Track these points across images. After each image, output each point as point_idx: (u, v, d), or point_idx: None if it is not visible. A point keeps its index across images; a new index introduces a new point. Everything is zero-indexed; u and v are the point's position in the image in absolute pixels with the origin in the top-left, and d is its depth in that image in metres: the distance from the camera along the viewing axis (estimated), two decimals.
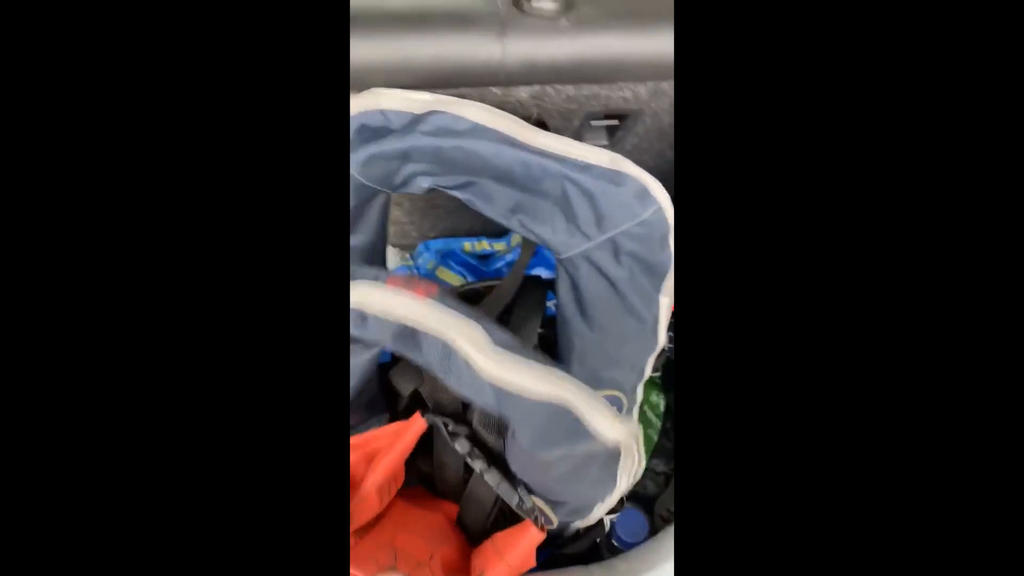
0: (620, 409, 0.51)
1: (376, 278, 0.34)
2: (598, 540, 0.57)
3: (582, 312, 0.42)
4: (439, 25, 0.37)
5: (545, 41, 0.38)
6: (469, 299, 0.54)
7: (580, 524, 0.49)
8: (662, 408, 0.73)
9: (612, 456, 0.36)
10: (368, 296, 0.32)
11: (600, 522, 0.57)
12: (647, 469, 0.72)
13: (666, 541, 0.54)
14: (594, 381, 0.47)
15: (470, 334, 0.32)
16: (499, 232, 0.80)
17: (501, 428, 0.40)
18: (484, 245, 0.80)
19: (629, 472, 0.38)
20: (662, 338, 0.46)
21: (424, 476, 0.49)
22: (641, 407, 0.74)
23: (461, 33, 0.37)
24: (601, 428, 0.33)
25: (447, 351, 0.32)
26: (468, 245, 0.80)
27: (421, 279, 0.36)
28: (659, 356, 0.52)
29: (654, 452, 0.72)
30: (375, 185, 0.41)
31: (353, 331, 0.34)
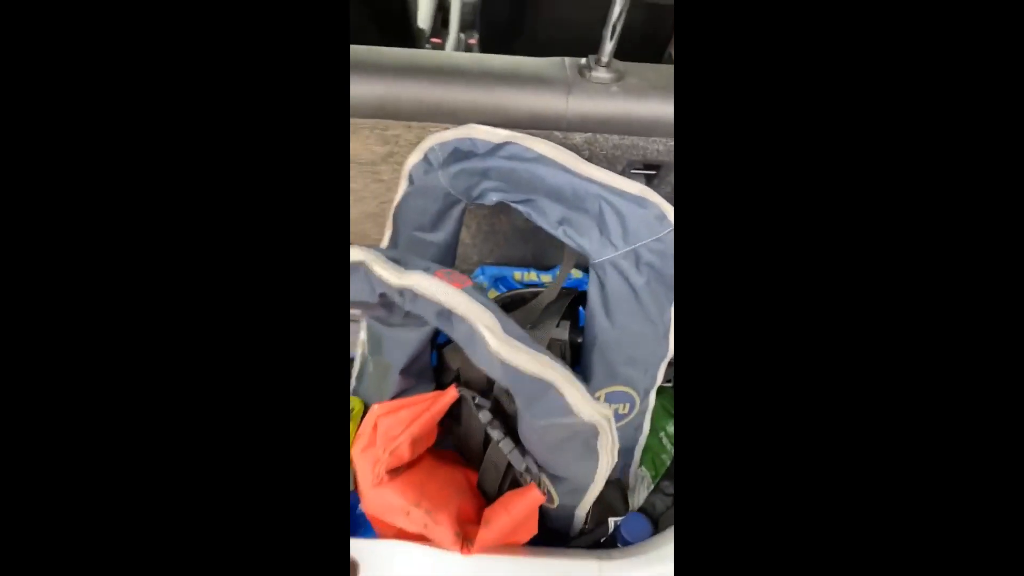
0: (632, 407, 0.59)
1: (427, 269, 0.44)
2: (602, 540, 0.63)
3: (606, 310, 0.52)
4: (523, 83, 0.51)
5: (599, 101, 0.51)
6: (516, 302, 0.65)
7: (580, 511, 0.56)
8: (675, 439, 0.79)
9: (591, 433, 0.43)
10: (419, 282, 0.42)
11: (606, 523, 0.64)
12: (657, 489, 0.78)
13: (663, 538, 0.59)
14: (611, 376, 0.56)
15: (487, 321, 0.40)
16: (546, 266, 0.91)
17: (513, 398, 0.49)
18: (532, 276, 0.91)
19: (607, 449, 0.44)
20: (671, 347, 0.55)
21: (456, 441, 0.58)
22: (658, 435, 0.81)
23: (538, 90, 0.51)
24: (578, 406, 0.40)
25: (471, 330, 0.41)
26: (519, 274, 0.91)
27: (459, 275, 0.45)
28: (672, 366, 0.60)
29: (665, 474, 0.78)
30: (457, 194, 0.54)
31: (409, 306, 0.43)
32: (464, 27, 1.17)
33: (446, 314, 0.40)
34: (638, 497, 0.76)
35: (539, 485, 0.47)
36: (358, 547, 0.50)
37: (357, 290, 0.43)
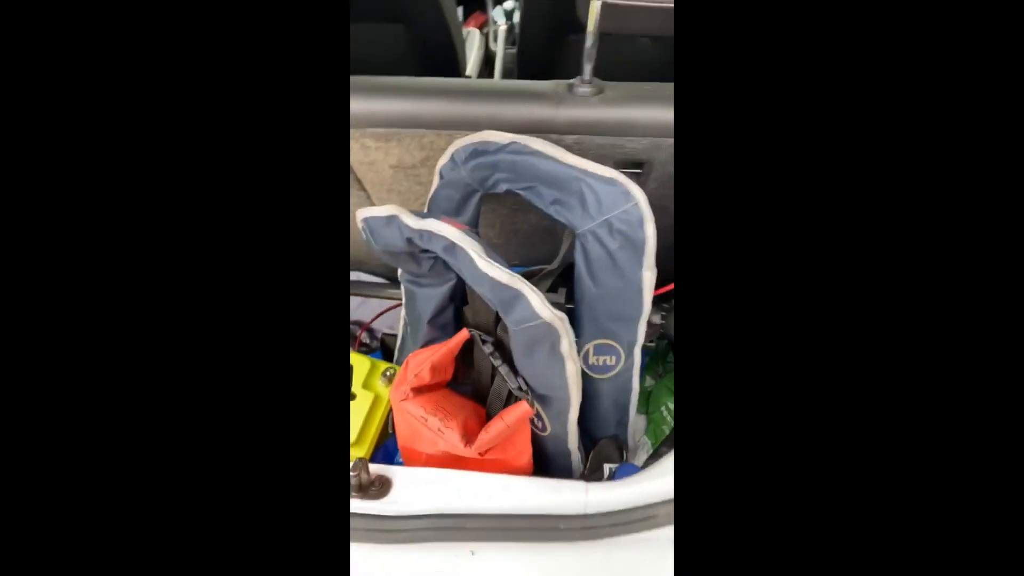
0: (618, 360, 0.70)
1: (438, 218, 0.60)
2: None
3: (590, 273, 0.65)
4: (523, 98, 0.67)
5: (584, 110, 0.66)
6: (526, 277, 0.79)
7: (571, 443, 0.67)
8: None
9: (555, 336, 0.55)
10: (432, 224, 0.57)
11: (601, 468, 0.74)
12: (655, 454, 0.86)
13: (648, 471, 0.69)
14: (597, 330, 0.68)
15: (476, 248, 0.55)
16: None
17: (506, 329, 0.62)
18: None
19: (569, 354, 0.56)
20: (647, 304, 0.66)
21: (472, 384, 0.71)
22: (659, 409, 0.90)
23: (534, 103, 0.66)
24: (539, 309, 0.53)
25: (468, 257, 0.55)
26: None
27: (461, 224, 0.61)
28: (652, 328, 0.71)
29: (664, 442, 0.87)
30: (475, 185, 0.69)
31: (426, 244, 0.58)
32: (505, 75, 1.38)
33: (451, 247, 0.55)
34: (638, 460, 0.85)
35: (530, 403, 0.59)
36: (392, 471, 0.63)
37: (392, 238, 0.59)
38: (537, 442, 0.68)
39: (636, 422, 0.86)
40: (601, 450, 0.74)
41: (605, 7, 0.56)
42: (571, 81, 0.67)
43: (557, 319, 0.53)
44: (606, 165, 0.65)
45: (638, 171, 0.74)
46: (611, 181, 0.61)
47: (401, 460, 0.73)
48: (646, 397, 0.91)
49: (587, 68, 0.64)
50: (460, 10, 1.64)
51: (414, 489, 0.60)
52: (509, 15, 1.54)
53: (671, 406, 0.88)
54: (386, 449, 0.84)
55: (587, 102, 0.66)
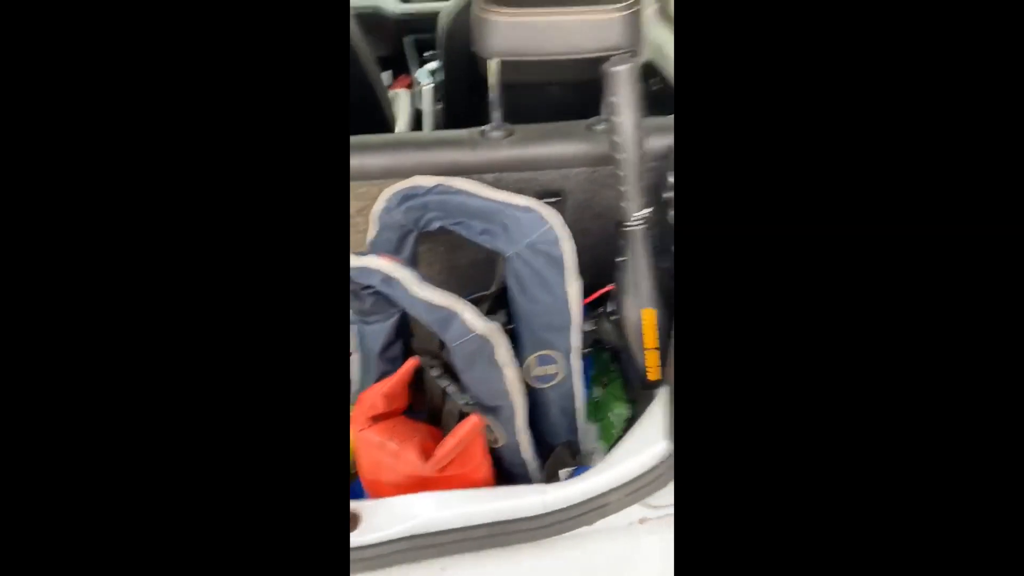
0: (558, 368, 0.76)
1: (376, 255, 0.66)
2: None
3: (521, 290, 0.72)
4: (444, 146, 0.75)
5: (496, 151, 0.75)
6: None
7: (525, 453, 0.72)
8: (624, 418, 0.95)
9: (490, 347, 0.61)
10: (369, 260, 0.64)
11: (557, 475, 0.79)
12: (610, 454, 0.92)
13: (598, 467, 0.74)
14: (535, 341, 0.74)
15: (408, 276, 0.62)
16: None
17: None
18: None
19: (506, 361, 0.62)
20: (576, 312, 0.73)
21: (427, 408, 0.76)
22: (608, 416, 0.97)
23: (454, 149, 0.75)
24: (472, 323, 0.59)
25: (403, 287, 0.62)
26: None
27: (395, 259, 0.67)
28: (584, 335, 0.78)
29: (614, 442, 0.92)
30: (409, 225, 0.76)
31: (365, 280, 0.64)
32: (435, 128, 1.49)
33: (387, 279, 0.62)
34: (593, 464, 0.91)
35: (480, 415, 0.65)
36: (359, 505, 0.66)
37: None
38: (495, 457, 0.73)
39: (588, 430, 0.92)
40: (557, 456, 0.79)
41: (501, 64, 0.66)
42: (484, 128, 0.76)
43: (490, 330, 0.59)
44: (527, 196, 0.73)
45: (558, 199, 0.83)
46: (527, 209, 0.69)
47: (360, 480, 0.76)
48: (595, 406, 0.97)
49: (495, 116, 0.74)
50: (388, 74, 1.76)
51: (382, 517, 0.63)
52: (433, 74, 1.66)
53: (619, 411, 0.95)
54: (353, 491, 0.86)
55: (499, 144, 0.75)
